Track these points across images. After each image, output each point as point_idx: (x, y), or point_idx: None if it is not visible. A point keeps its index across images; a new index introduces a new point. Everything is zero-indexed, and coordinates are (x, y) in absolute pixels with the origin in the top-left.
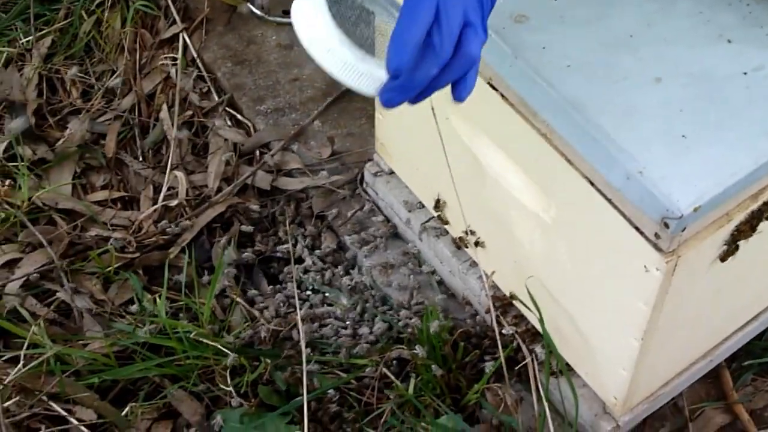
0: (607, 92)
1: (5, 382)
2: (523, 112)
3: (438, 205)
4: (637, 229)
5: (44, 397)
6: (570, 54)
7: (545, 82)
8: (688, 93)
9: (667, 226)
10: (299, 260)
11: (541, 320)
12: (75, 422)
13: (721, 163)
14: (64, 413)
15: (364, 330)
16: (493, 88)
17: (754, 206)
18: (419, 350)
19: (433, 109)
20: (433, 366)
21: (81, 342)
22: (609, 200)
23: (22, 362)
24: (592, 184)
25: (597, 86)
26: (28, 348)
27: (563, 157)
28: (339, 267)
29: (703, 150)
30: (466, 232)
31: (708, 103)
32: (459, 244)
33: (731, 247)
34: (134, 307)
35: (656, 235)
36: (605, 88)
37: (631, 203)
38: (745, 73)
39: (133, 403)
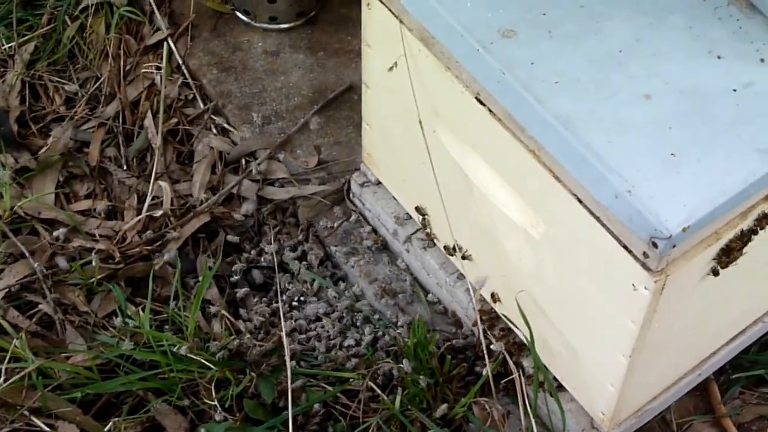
0: (596, 109)
1: None
2: (511, 128)
3: (425, 218)
4: (625, 247)
5: (26, 412)
6: (559, 70)
7: (534, 98)
8: (678, 110)
9: (655, 245)
10: (285, 271)
11: (530, 337)
12: None
13: (711, 181)
14: (47, 428)
15: (350, 342)
16: (481, 103)
17: (744, 224)
18: (405, 363)
19: (420, 122)
20: (419, 379)
21: (64, 355)
22: (597, 218)
23: (3, 376)
24: (580, 201)
25: (586, 103)
26: (9, 361)
27: (551, 173)
28: (326, 278)
29: (692, 168)
30: (454, 246)
31: (697, 121)
32: (449, 251)
33: (720, 265)
34: (118, 320)
35: (645, 254)
36: (594, 104)
37: (620, 222)
38: (734, 90)
39: (117, 418)
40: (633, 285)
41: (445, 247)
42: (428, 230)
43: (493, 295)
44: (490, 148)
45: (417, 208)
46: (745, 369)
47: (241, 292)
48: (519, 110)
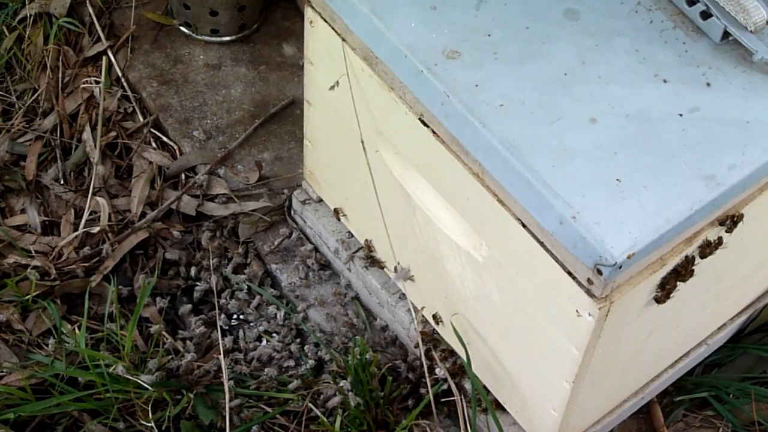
0: (542, 133)
1: None
2: (455, 151)
3: (367, 241)
4: (569, 273)
5: None
6: (504, 92)
7: (478, 121)
8: (624, 135)
9: (600, 272)
10: (225, 288)
11: (467, 360)
12: None
13: (656, 208)
14: None
15: (290, 362)
16: (425, 124)
17: (689, 250)
18: (346, 384)
19: (362, 141)
20: (359, 400)
21: None
22: (541, 243)
23: None
24: (524, 226)
25: (531, 126)
26: None
27: (495, 197)
28: (266, 295)
29: (638, 194)
30: (395, 267)
31: (643, 146)
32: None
33: (665, 291)
34: (53, 339)
35: (589, 281)
36: (539, 128)
37: (564, 248)
38: (680, 115)
39: None
40: (577, 311)
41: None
42: (369, 252)
43: (435, 317)
44: (433, 170)
45: (358, 227)
46: (689, 391)
47: (179, 310)
48: (463, 133)
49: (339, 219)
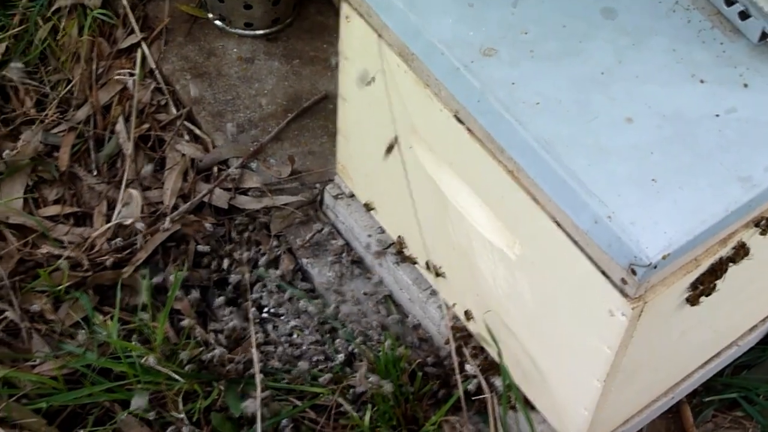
0: (578, 132)
1: None
2: (490, 148)
3: (399, 237)
4: (603, 273)
5: None
6: (540, 90)
7: (514, 119)
8: (660, 135)
9: (634, 272)
10: (256, 282)
11: (500, 358)
12: None
13: (692, 209)
14: None
15: (320, 356)
16: (460, 121)
17: (723, 252)
18: (376, 379)
19: (396, 137)
20: (389, 395)
21: (29, 364)
22: (575, 242)
23: None
24: (558, 225)
25: (567, 125)
26: None
27: (530, 195)
28: (297, 290)
29: (673, 195)
30: (427, 263)
31: (679, 146)
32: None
33: (698, 292)
34: (84, 330)
35: (623, 281)
36: (575, 127)
37: (599, 247)
38: (717, 116)
39: (82, 429)
40: (610, 311)
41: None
42: (401, 249)
43: (466, 313)
44: (467, 167)
45: (391, 223)
46: (719, 392)
47: (211, 302)
48: (498, 131)
49: (370, 212)
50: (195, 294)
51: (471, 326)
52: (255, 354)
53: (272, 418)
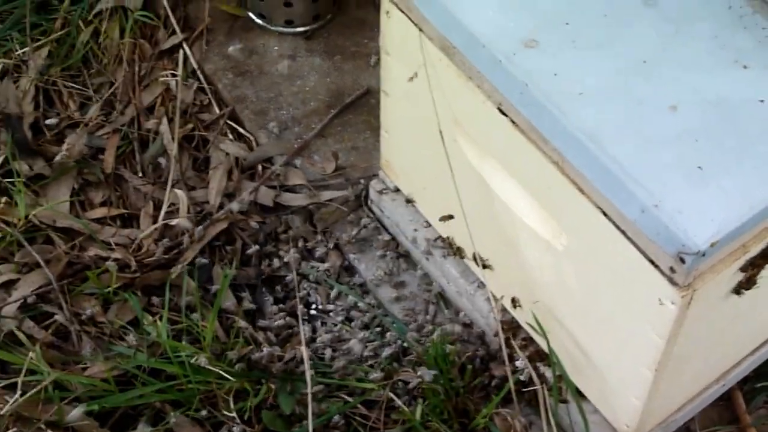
0: (621, 120)
1: (2, 412)
2: (533, 139)
3: (446, 227)
4: (651, 262)
5: (42, 425)
6: (582, 80)
7: (557, 109)
8: (705, 121)
9: (683, 261)
10: (304, 279)
11: (549, 350)
12: None
13: (739, 195)
14: None
15: (370, 352)
16: (503, 113)
17: None
18: (426, 373)
19: (441, 131)
20: (440, 389)
21: (80, 366)
22: (623, 232)
23: (20, 390)
24: (605, 214)
25: (610, 114)
26: (25, 374)
27: (575, 186)
28: (344, 286)
29: (719, 182)
30: (474, 256)
31: (724, 133)
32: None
33: (748, 277)
34: (133, 332)
35: (671, 269)
36: (619, 116)
37: (646, 236)
38: (761, 101)
39: (134, 430)
40: (659, 299)
41: (462, 254)
42: (449, 241)
43: (513, 301)
44: (512, 159)
45: (436, 216)
46: None
47: (259, 300)
48: (542, 122)
49: (414, 206)
50: (244, 293)
51: (518, 314)
52: (304, 351)
53: (323, 416)
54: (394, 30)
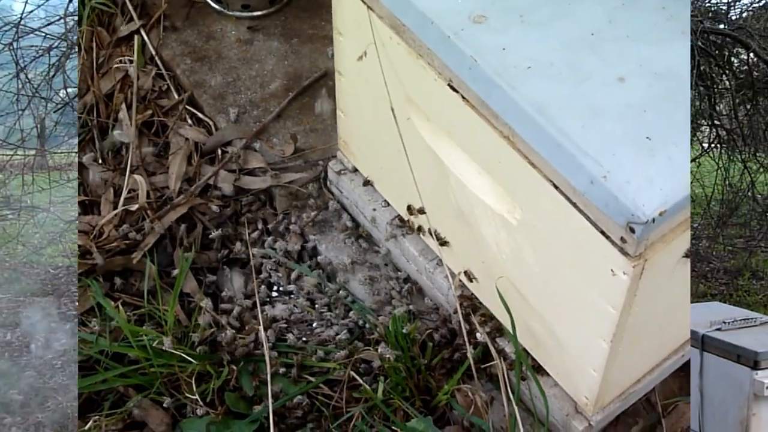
0: (570, 94)
1: None
2: (485, 115)
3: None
4: (602, 233)
5: None
6: (531, 55)
7: (506, 84)
8: (652, 93)
9: (633, 230)
10: (265, 261)
11: (512, 325)
12: None
13: (687, 165)
14: None
15: (331, 332)
16: (454, 89)
17: None
18: (387, 351)
19: (392, 109)
20: (401, 367)
21: None
22: (573, 204)
23: None
24: (556, 187)
25: (559, 88)
26: None
27: (526, 159)
28: (305, 267)
29: (667, 152)
30: (431, 232)
31: (672, 103)
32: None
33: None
34: (96, 318)
35: (622, 239)
36: (568, 89)
37: (596, 207)
38: None
39: (98, 415)
40: (612, 270)
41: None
42: (408, 221)
43: (467, 274)
44: (464, 135)
45: (394, 195)
46: None
47: (220, 283)
48: (492, 96)
49: (371, 186)
50: (204, 276)
51: (475, 289)
52: (263, 333)
53: (286, 396)
54: (345, 10)
